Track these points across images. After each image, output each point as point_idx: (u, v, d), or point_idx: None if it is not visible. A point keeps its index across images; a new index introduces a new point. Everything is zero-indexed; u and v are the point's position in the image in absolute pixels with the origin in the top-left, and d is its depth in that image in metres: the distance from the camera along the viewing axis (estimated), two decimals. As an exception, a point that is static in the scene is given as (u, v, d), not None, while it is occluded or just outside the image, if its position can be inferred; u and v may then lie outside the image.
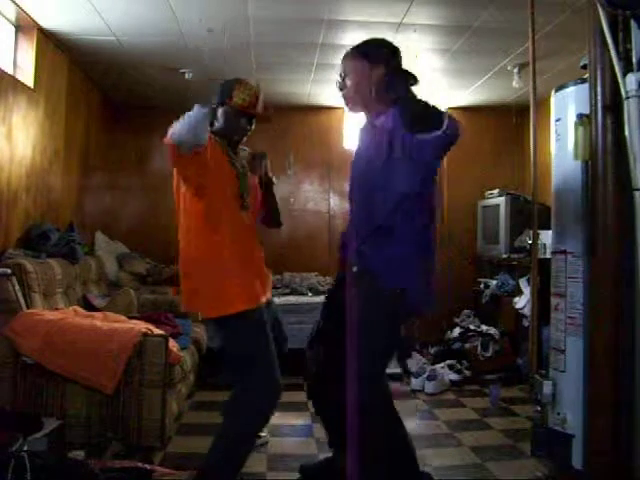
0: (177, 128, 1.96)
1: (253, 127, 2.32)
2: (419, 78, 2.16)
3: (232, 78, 2.32)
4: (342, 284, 2.15)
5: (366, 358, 2.02)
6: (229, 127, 2.26)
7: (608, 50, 1.96)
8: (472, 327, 4.67)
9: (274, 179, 2.40)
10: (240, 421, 2.18)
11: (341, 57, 2.26)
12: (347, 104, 2.24)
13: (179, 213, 2.26)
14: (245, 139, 2.35)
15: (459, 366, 4.29)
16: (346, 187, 2.35)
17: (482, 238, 5.28)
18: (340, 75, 2.22)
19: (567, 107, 2.44)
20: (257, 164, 2.32)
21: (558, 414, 2.37)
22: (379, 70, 2.13)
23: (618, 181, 2.03)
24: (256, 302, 2.20)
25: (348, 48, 2.26)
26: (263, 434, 2.91)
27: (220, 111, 2.27)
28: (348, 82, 2.19)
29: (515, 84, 4.37)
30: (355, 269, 2.09)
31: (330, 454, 2.48)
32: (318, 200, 5.43)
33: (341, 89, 2.22)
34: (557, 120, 2.52)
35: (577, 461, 2.26)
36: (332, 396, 2.27)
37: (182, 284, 2.27)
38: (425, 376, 4.03)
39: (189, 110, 2.36)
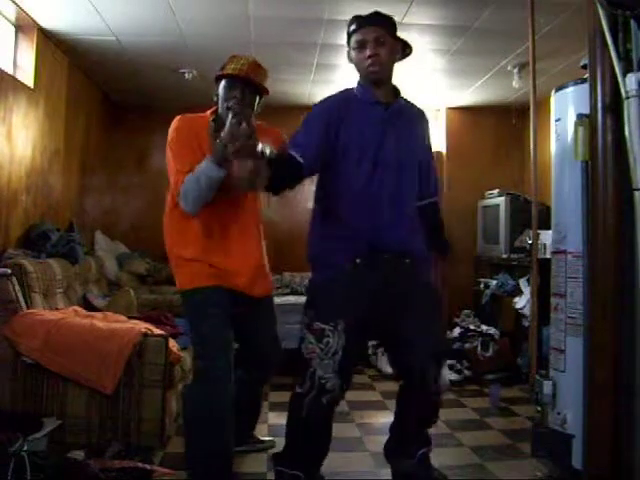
0: (187, 193, 2.07)
1: (257, 102, 2.31)
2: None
3: None
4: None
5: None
6: (222, 97, 2.24)
7: (608, 50, 1.96)
8: (472, 327, 4.66)
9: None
10: (188, 406, 2.24)
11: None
12: (375, 71, 2.06)
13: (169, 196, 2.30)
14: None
15: (459, 366, 4.29)
16: None
17: (482, 238, 5.28)
18: (374, 40, 2.04)
19: (567, 107, 2.44)
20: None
21: (558, 414, 2.37)
22: (398, 47, 2.13)
23: (618, 181, 2.03)
24: (213, 282, 2.20)
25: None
26: (268, 438, 2.89)
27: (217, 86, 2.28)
28: (382, 50, 2.05)
29: (515, 84, 4.37)
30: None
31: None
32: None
33: (371, 55, 2.03)
34: (557, 120, 2.52)
35: (577, 461, 2.25)
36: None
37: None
38: (425, 376, 4.03)
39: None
